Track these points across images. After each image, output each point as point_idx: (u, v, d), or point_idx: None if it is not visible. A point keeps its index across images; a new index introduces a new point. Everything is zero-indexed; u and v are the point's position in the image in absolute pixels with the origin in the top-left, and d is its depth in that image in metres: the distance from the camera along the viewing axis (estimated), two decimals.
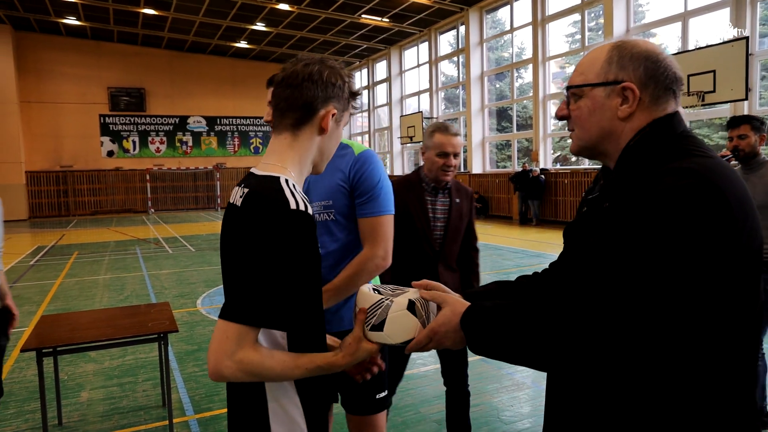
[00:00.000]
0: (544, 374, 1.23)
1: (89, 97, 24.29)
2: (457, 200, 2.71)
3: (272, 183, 1.23)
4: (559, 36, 16.30)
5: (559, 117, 1.23)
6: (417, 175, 2.70)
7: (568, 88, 1.21)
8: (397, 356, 2.65)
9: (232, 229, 1.25)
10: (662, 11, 12.98)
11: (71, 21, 21.12)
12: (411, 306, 1.23)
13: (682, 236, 0.93)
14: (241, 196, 1.26)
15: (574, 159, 17.75)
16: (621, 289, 0.98)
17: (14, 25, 22.11)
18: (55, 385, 3.54)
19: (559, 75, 17.94)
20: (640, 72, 1.12)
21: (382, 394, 2.06)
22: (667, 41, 13.53)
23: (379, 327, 1.24)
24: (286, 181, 1.24)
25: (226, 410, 3.64)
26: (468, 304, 1.19)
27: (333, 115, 1.33)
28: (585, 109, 1.17)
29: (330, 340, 1.44)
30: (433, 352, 3.30)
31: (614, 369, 1.01)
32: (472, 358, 3.38)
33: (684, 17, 12.02)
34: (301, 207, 1.20)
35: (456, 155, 2.60)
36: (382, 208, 1.99)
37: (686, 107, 10.49)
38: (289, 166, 1.30)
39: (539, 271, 1.44)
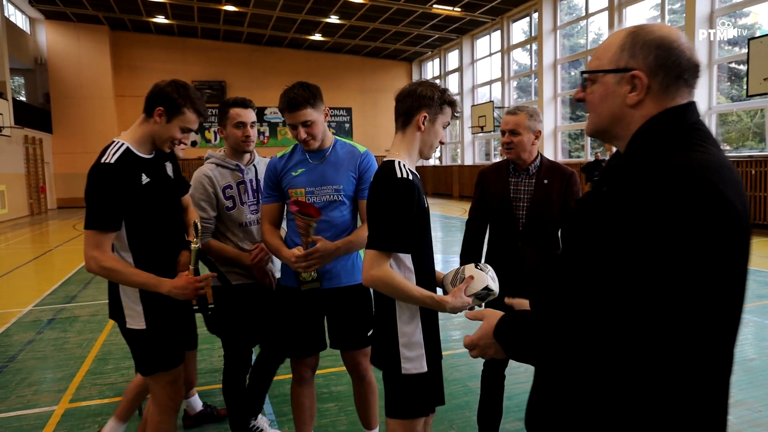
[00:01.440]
0: None
1: None
2: (545, 181, 2.66)
3: (389, 164, 1.91)
4: (641, 20, 15.62)
5: (576, 99, 1.28)
6: (506, 159, 2.79)
7: (582, 72, 1.25)
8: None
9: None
10: None
11: (160, 20, 22.52)
12: (477, 266, 1.97)
13: (674, 235, 0.96)
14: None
15: None
16: (616, 287, 1.02)
17: (111, 26, 23.85)
18: None
19: None
20: (650, 60, 1.13)
21: (370, 333, 2.58)
22: (763, 21, 12.71)
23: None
24: (399, 162, 1.90)
25: (290, 376, 4.01)
26: (501, 314, 1.29)
27: (425, 117, 1.93)
28: (597, 94, 1.21)
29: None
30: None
31: (614, 366, 1.06)
32: None
33: None
34: (405, 176, 1.85)
35: (513, 132, 2.62)
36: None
37: None
38: (402, 153, 1.96)
39: None
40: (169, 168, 2.41)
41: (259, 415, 3.19)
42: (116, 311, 2.26)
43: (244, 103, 2.84)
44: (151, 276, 2.15)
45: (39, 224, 17.12)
